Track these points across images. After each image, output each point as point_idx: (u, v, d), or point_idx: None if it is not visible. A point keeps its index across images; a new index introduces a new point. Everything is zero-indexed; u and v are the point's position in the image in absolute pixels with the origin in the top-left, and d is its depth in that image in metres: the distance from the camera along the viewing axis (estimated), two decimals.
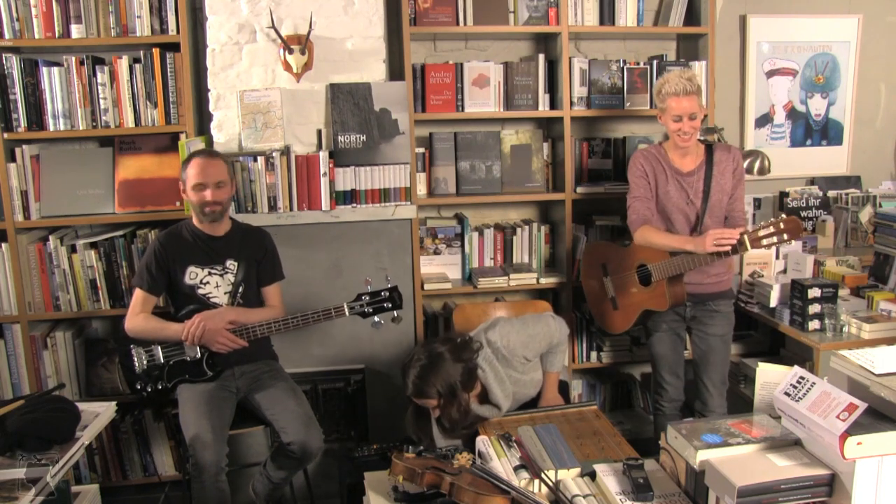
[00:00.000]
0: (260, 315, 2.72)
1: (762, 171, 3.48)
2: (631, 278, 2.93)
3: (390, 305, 2.66)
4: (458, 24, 3.30)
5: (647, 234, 2.80)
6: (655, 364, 3.00)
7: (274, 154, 3.04)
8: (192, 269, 2.70)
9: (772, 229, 2.54)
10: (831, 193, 3.82)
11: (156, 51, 3.06)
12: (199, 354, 2.67)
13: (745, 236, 2.56)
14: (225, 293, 2.71)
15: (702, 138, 2.89)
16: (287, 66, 3.05)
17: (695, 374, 3.00)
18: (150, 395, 2.71)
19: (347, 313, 2.65)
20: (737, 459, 1.53)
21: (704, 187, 2.78)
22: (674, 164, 2.83)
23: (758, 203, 3.82)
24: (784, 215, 2.56)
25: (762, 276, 3.26)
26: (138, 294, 2.70)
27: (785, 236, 2.54)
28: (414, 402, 2.45)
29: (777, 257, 3.32)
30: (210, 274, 2.70)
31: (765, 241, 2.56)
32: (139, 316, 2.67)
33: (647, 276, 2.85)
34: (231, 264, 2.72)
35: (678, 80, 2.66)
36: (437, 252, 3.46)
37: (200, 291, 2.70)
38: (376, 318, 2.68)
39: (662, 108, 2.73)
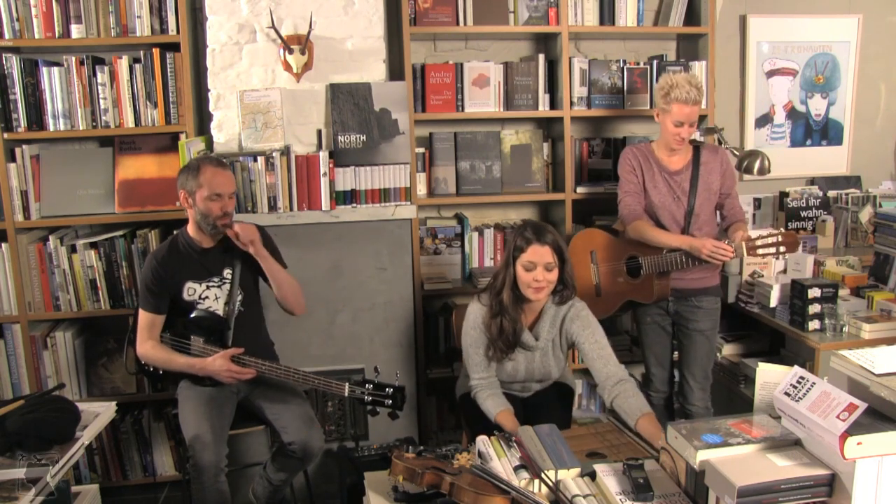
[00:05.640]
0: (280, 269, 2.66)
1: (762, 171, 3.47)
2: (619, 268, 2.99)
3: (391, 403, 2.49)
4: (458, 24, 3.30)
5: (642, 229, 2.86)
6: (643, 354, 3.12)
7: (274, 154, 3.04)
8: (189, 285, 2.63)
9: (769, 240, 2.69)
10: (831, 193, 3.82)
11: (156, 51, 3.06)
12: None
13: (743, 244, 2.70)
14: (224, 304, 2.67)
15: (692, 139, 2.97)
16: (287, 66, 3.05)
17: (678, 368, 3.10)
18: (153, 374, 2.70)
19: (346, 393, 2.51)
20: (737, 459, 1.53)
21: (691, 186, 2.87)
22: (662, 161, 2.91)
23: (758, 203, 3.81)
24: (783, 229, 2.70)
25: (762, 276, 3.26)
26: (144, 316, 2.63)
27: (782, 248, 2.70)
28: (524, 255, 2.43)
29: (777, 257, 3.32)
30: (208, 287, 2.65)
31: (760, 251, 2.72)
32: (148, 343, 2.61)
33: (637, 268, 2.92)
34: (228, 273, 2.68)
35: (688, 89, 2.72)
36: (437, 252, 3.46)
37: (201, 306, 2.65)
38: (371, 406, 2.55)
39: (665, 110, 2.79)
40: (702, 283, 2.93)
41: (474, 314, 2.58)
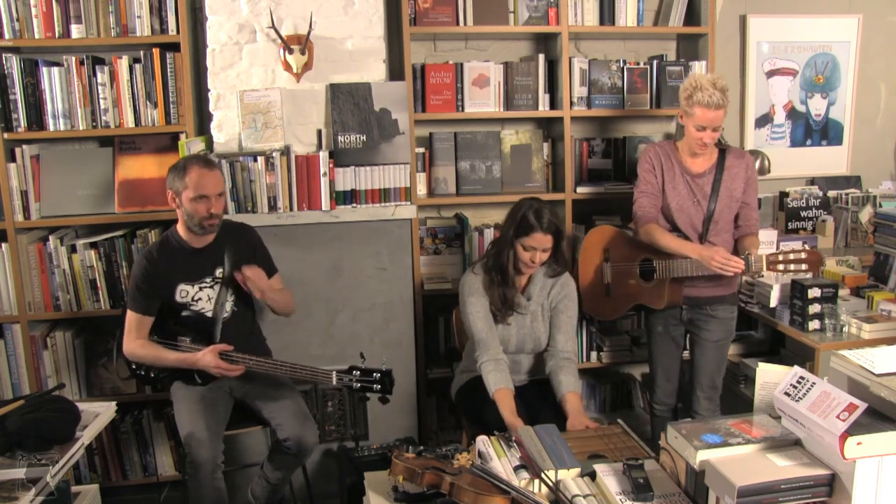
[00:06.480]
0: (281, 292, 2.69)
1: (762, 171, 3.49)
2: (632, 269, 2.93)
3: (379, 388, 2.51)
4: (458, 24, 3.30)
5: (654, 233, 2.77)
6: (650, 364, 3.06)
7: (274, 154, 3.04)
8: (182, 287, 2.62)
9: (792, 257, 2.60)
10: (831, 193, 3.81)
11: (156, 51, 3.06)
12: None
13: (764, 257, 2.62)
14: (215, 304, 2.66)
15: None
16: (287, 66, 3.05)
17: (689, 375, 3.03)
18: (144, 377, 2.71)
19: (334, 381, 2.53)
20: (737, 459, 1.53)
21: (713, 190, 2.77)
22: (685, 163, 2.81)
23: (758, 203, 3.80)
24: (808, 246, 2.65)
25: (762, 276, 3.26)
26: (132, 317, 2.61)
27: (803, 266, 2.61)
28: (526, 239, 2.56)
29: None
30: (201, 289, 2.64)
31: (781, 267, 2.62)
32: (136, 342, 2.61)
33: (650, 271, 2.86)
34: (219, 272, 2.67)
35: (711, 92, 2.59)
36: (437, 252, 3.46)
37: (194, 308, 2.65)
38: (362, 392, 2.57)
39: (688, 113, 2.68)
40: (717, 291, 2.83)
41: (471, 282, 2.69)
